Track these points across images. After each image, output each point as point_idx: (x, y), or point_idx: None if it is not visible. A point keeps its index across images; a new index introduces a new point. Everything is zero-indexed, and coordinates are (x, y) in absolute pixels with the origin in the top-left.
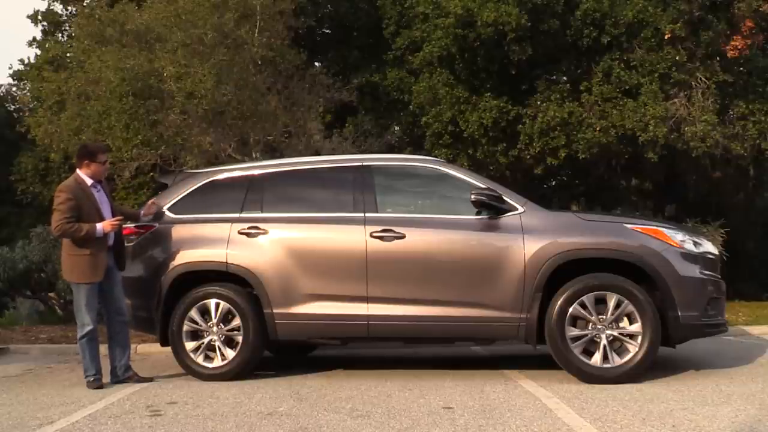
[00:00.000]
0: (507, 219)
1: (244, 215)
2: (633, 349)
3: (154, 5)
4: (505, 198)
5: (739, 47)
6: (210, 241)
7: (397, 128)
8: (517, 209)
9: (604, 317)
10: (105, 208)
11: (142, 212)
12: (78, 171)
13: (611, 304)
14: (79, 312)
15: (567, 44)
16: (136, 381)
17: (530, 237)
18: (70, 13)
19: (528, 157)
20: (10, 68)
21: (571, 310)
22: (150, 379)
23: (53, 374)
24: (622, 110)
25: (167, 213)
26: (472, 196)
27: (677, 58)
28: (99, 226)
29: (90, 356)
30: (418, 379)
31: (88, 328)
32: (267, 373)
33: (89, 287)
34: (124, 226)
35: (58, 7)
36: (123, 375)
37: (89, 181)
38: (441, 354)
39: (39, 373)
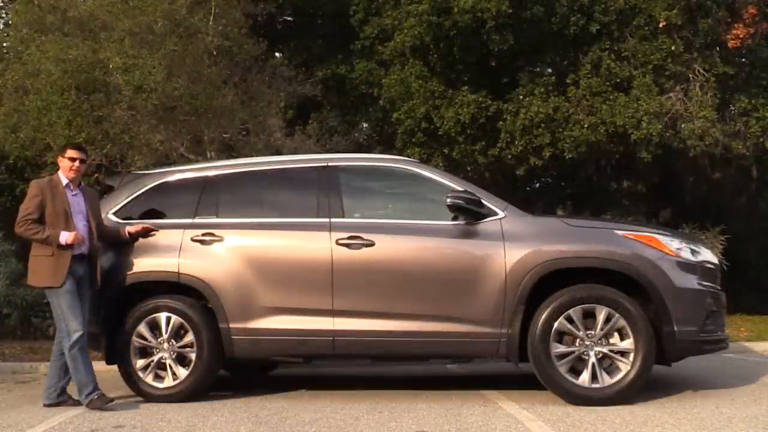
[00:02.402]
0: (486, 225)
1: (197, 221)
2: (624, 367)
3: None
4: (483, 202)
5: (741, 36)
6: (160, 250)
7: (365, 125)
8: (497, 214)
9: (593, 333)
10: (78, 214)
11: (128, 229)
12: (59, 170)
13: (600, 318)
14: (62, 319)
15: (552, 33)
16: (71, 404)
17: (511, 244)
18: None
19: (509, 156)
20: None
21: (556, 324)
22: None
23: None
24: (612, 105)
25: (112, 218)
26: (448, 200)
27: (673, 48)
28: (63, 235)
29: (84, 370)
30: (389, 400)
31: (77, 334)
32: (223, 394)
33: (66, 291)
34: None
35: None
36: (57, 398)
37: (64, 181)
38: (414, 373)
39: None
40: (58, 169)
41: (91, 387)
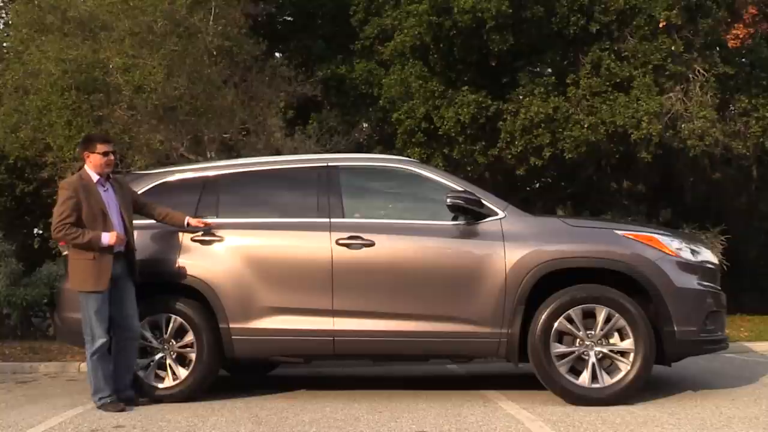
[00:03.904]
0: (486, 225)
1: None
2: (624, 367)
3: None
4: (483, 202)
5: (741, 36)
6: (160, 250)
7: (365, 125)
8: (497, 214)
9: (593, 333)
10: (113, 209)
11: (188, 219)
12: (85, 166)
13: (600, 318)
14: (88, 324)
15: (552, 33)
16: (141, 403)
17: (512, 244)
18: None
19: (509, 156)
20: None
21: (556, 324)
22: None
23: None
24: (612, 105)
25: None
26: (448, 200)
27: (673, 48)
28: (105, 236)
29: (103, 375)
30: (389, 400)
31: (100, 341)
32: (223, 394)
33: (97, 296)
34: None
35: None
36: (123, 397)
37: (95, 177)
38: (414, 373)
39: None
40: (80, 167)
41: (107, 392)
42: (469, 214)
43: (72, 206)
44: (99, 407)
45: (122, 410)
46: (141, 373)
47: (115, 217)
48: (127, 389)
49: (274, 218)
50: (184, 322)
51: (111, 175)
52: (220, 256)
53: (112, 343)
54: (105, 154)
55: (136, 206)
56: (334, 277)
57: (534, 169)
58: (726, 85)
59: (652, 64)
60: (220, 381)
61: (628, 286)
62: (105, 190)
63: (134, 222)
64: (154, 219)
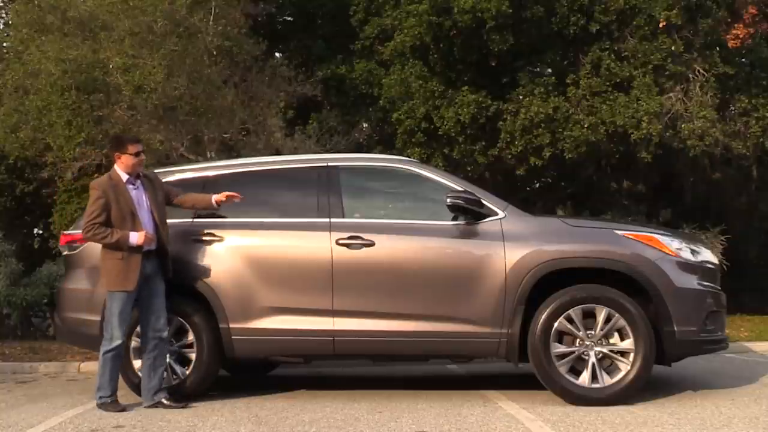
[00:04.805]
0: (486, 225)
1: (197, 221)
2: (624, 367)
3: None
4: (483, 202)
5: (741, 36)
6: None
7: (365, 125)
8: (497, 214)
9: (593, 333)
10: (143, 208)
11: (215, 198)
12: (114, 166)
13: (600, 318)
14: (109, 323)
15: (552, 33)
16: (165, 407)
17: (512, 244)
18: None
19: (509, 156)
20: None
21: (556, 324)
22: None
23: None
24: (612, 105)
25: None
26: (448, 200)
27: (673, 48)
28: (133, 236)
29: (110, 375)
30: (389, 400)
31: (117, 342)
32: (223, 394)
33: (123, 295)
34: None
35: None
36: (153, 398)
37: (125, 177)
38: (414, 373)
39: None
40: (110, 167)
41: (109, 391)
42: (469, 214)
43: (101, 206)
44: (99, 406)
45: (122, 410)
46: (140, 374)
47: (145, 216)
48: (159, 391)
49: (274, 218)
50: (184, 322)
51: (142, 173)
52: (220, 255)
53: (141, 344)
54: (136, 154)
55: (168, 198)
56: (334, 277)
57: (534, 169)
58: (726, 85)
59: (652, 64)
60: (220, 381)
61: (628, 286)
62: (135, 189)
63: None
64: (182, 207)
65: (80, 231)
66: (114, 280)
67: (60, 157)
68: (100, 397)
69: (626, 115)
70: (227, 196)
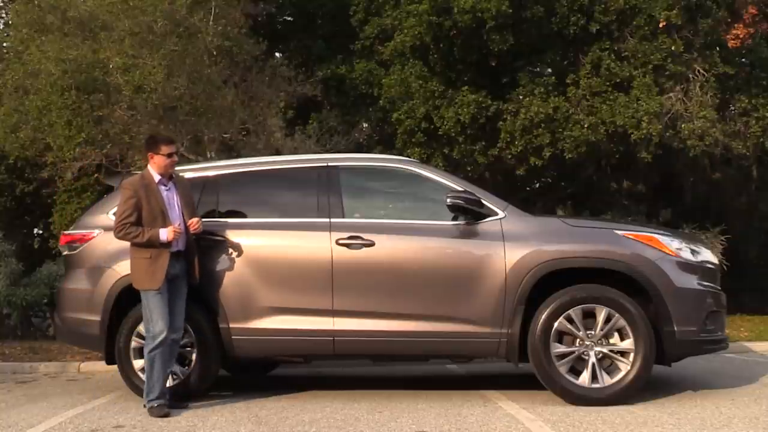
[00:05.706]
0: (486, 225)
1: None
2: (624, 367)
3: None
4: (483, 202)
5: (741, 36)
6: None
7: (365, 125)
8: (497, 214)
9: (593, 333)
10: (173, 208)
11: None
12: (147, 166)
13: (600, 318)
14: (150, 320)
15: (552, 33)
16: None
17: (512, 244)
18: None
19: (509, 156)
20: None
21: (556, 324)
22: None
23: None
24: (612, 105)
25: (112, 218)
26: (448, 200)
27: (673, 48)
28: (163, 232)
29: (158, 374)
30: (389, 400)
31: (161, 336)
32: (223, 394)
33: (155, 293)
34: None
35: None
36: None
37: (157, 177)
38: (414, 373)
39: None
40: (142, 167)
41: (157, 393)
42: (469, 214)
43: (133, 206)
44: (148, 411)
45: (166, 415)
46: (140, 374)
47: (175, 216)
48: (161, 395)
49: (274, 218)
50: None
51: (174, 174)
52: (220, 255)
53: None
54: (169, 155)
55: None
56: (334, 277)
57: (534, 169)
58: (726, 85)
59: (652, 64)
60: (220, 381)
61: (628, 286)
62: (167, 189)
63: None
64: None
65: (86, 230)
66: (141, 278)
67: (60, 157)
68: (149, 401)
69: (626, 115)
70: (175, 231)
